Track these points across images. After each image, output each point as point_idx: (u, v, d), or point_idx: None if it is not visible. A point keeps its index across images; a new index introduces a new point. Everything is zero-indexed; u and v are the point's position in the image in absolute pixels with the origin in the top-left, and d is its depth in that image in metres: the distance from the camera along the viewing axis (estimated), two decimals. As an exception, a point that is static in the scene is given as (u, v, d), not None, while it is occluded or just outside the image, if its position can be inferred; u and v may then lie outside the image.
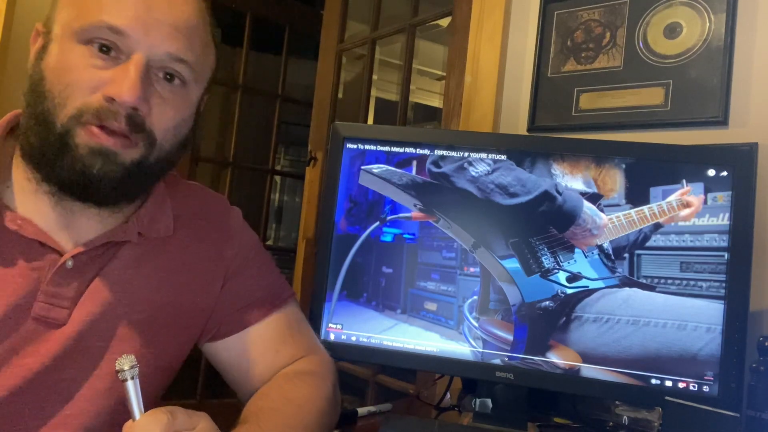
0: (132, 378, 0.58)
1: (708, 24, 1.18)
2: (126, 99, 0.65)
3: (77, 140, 0.65)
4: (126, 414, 0.59)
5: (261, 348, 0.83)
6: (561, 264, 0.93)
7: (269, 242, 3.93)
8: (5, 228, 0.67)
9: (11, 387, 0.65)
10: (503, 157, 0.96)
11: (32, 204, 0.70)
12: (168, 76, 0.69)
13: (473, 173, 0.97)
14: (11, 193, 0.70)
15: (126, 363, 0.58)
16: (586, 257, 0.93)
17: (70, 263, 0.69)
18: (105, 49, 0.66)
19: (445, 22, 1.97)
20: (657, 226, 0.91)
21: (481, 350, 0.95)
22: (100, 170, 0.66)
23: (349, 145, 1.02)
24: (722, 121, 1.13)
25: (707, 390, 0.88)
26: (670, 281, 0.90)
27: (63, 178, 0.67)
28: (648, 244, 0.91)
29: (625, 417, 1.05)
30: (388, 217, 1.00)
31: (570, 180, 0.94)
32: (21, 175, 0.71)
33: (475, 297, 0.96)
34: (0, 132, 0.72)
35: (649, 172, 0.92)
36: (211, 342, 0.83)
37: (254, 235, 0.90)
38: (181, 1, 0.71)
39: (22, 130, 0.70)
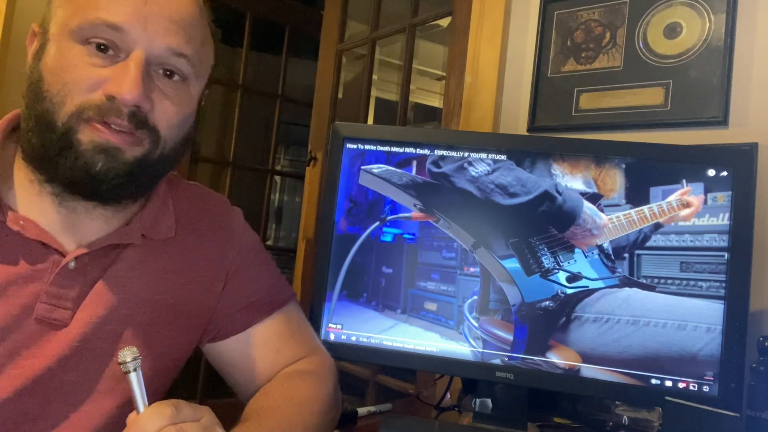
0: (135, 370, 0.58)
1: (708, 24, 1.18)
2: (127, 97, 0.64)
3: (80, 137, 0.65)
4: (127, 414, 0.59)
5: (262, 348, 0.83)
6: (561, 264, 0.93)
7: (269, 242, 3.93)
8: (8, 229, 0.67)
9: (16, 388, 0.65)
10: (503, 157, 0.96)
11: (35, 205, 0.69)
12: (168, 72, 0.69)
13: (473, 173, 0.97)
14: (13, 194, 0.70)
15: (128, 355, 0.58)
16: (586, 257, 0.93)
17: (72, 264, 0.69)
18: (103, 47, 0.65)
19: (445, 22, 1.97)
20: (657, 226, 0.91)
21: (481, 350, 0.95)
22: (104, 167, 0.65)
23: (349, 145, 1.02)
24: (722, 121, 1.14)
25: (707, 390, 0.88)
26: (670, 281, 0.90)
27: (66, 177, 0.66)
28: (648, 244, 0.91)
29: (625, 417, 1.05)
30: (388, 217, 1.00)
31: (570, 180, 0.94)
32: (23, 177, 0.70)
33: (475, 297, 0.96)
34: (0, 132, 0.72)
35: (649, 172, 0.92)
36: (212, 342, 0.83)
37: (255, 235, 0.90)
38: None
39: (22, 131, 0.69)
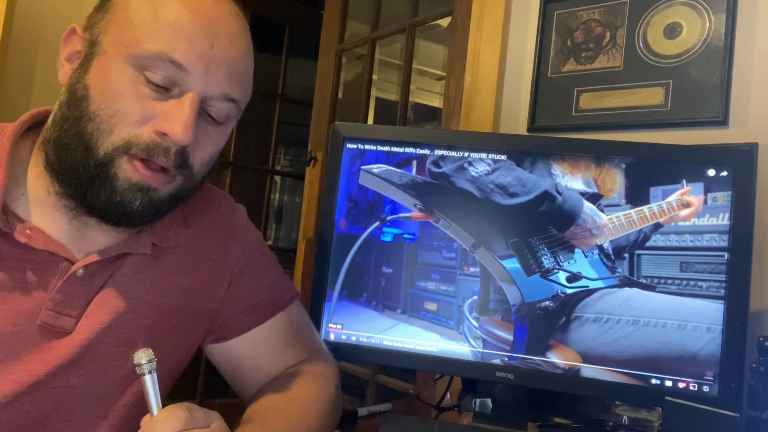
0: (150, 372, 0.58)
1: (708, 24, 1.18)
2: (180, 138, 0.64)
3: (119, 172, 0.64)
4: (133, 419, 0.59)
5: (265, 349, 0.83)
6: (561, 264, 0.93)
7: (269, 242, 3.92)
8: (15, 241, 0.66)
9: (15, 392, 0.65)
10: (503, 157, 0.96)
11: (48, 215, 0.68)
12: (214, 113, 0.69)
13: (473, 173, 0.97)
14: (26, 202, 0.68)
15: (144, 357, 0.58)
16: (586, 257, 0.93)
17: (80, 272, 0.68)
18: (159, 82, 0.64)
19: (445, 22, 1.97)
20: (657, 226, 0.91)
21: (481, 350, 0.95)
22: (140, 205, 0.66)
23: (349, 145, 1.02)
24: (722, 121, 1.13)
25: (707, 390, 0.88)
26: (670, 281, 0.90)
27: (96, 206, 0.66)
28: (648, 244, 0.91)
29: (625, 417, 1.05)
30: (388, 217, 1.00)
31: (570, 180, 0.94)
32: (41, 187, 0.68)
33: (475, 297, 0.96)
34: (15, 135, 0.69)
35: (649, 172, 0.92)
36: (215, 343, 0.83)
37: (259, 234, 0.89)
38: (240, 38, 0.70)
39: (49, 140, 0.67)
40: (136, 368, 0.58)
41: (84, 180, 0.65)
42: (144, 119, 0.64)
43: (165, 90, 0.65)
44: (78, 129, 0.64)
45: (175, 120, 0.64)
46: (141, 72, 0.64)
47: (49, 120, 0.69)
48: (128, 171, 0.64)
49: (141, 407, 0.60)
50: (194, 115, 0.65)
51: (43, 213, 0.68)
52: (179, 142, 0.64)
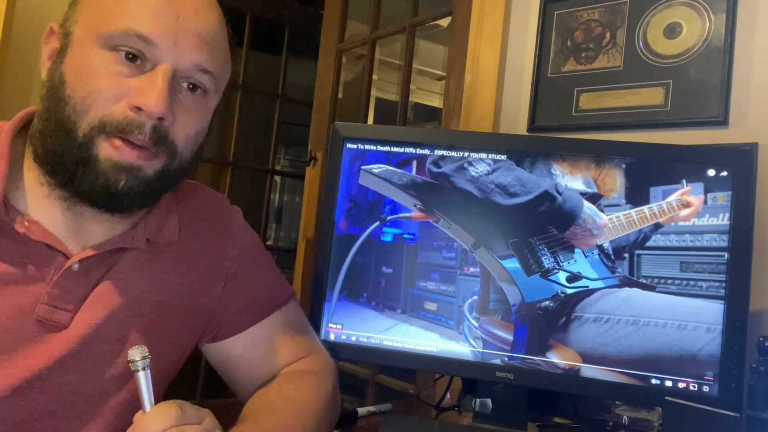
0: (143, 369, 0.58)
1: (708, 24, 1.18)
2: (154, 110, 0.64)
3: (100, 153, 0.65)
4: (128, 416, 0.59)
5: (261, 348, 0.83)
6: (561, 264, 0.93)
7: (269, 242, 3.92)
8: (14, 230, 0.66)
9: (12, 386, 0.65)
10: (503, 157, 0.96)
11: (42, 207, 0.69)
12: (191, 86, 0.69)
13: (473, 173, 0.97)
14: (21, 195, 0.69)
15: (137, 354, 0.58)
16: (586, 257, 0.93)
17: (76, 266, 0.69)
18: (131, 56, 0.65)
19: (445, 22, 1.97)
20: (657, 226, 0.91)
21: (481, 350, 0.95)
22: (125, 186, 0.66)
23: (349, 145, 1.02)
24: (722, 121, 1.14)
25: (707, 390, 0.88)
26: (670, 281, 0.90)
27: (83, 189, 0.66)
28: (648, 244, 0.91)
29: (625, 417, 1.05)
30: (388, 217, 1.00)
31: (570, 180, 0.94)
32: (33, 178, 0.69)
33: (475, 297, 0.96)
34: (12, 131, 0.71)
35: (649, 172, 0.92)
36: (212, 343, 0.83)
37: (255, 235, 0.90)
38: (207, 10, 0.70)
39: (36, 132, 0.69)
40: (130, 365, 0.58)
41: (69, 165, 0.66)
42: (118, 96, 0.65)
43: (137, 67, 0.65)
44: (57, 115, 0.66)
45: (148, 92, 0.64)
46: (112, 52, 0.65)
47: (35, 114, 0.70)
48: (108, 151, 0.65)
49: (136, 405, 0.60)
50: (167, 86, 0.65)
51: (38, 205, 0.69)
52: (153, 114, 0.65)
